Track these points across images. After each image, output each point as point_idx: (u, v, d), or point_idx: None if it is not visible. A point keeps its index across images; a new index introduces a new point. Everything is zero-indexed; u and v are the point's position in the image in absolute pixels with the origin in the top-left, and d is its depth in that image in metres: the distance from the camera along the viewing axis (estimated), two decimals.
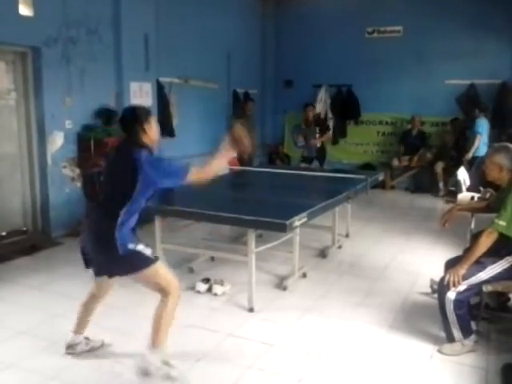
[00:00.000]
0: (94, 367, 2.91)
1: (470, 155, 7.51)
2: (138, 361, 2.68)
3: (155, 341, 2.66)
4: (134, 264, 2.61)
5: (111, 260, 2.63)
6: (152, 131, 2.68)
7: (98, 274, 2.81)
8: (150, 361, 2.62)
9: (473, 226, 4.16)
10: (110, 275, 2.75)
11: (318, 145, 7.66)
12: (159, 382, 2.65)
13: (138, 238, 2.68)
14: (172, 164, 2.70)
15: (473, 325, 3.13)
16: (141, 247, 2.63)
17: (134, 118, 2.66)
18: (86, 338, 3.03)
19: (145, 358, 2.65)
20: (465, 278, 2.99)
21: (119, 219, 2.56)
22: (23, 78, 5.24)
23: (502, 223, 2.93)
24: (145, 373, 2.63)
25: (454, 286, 2.95)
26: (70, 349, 3.01)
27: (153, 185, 2.61)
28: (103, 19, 5.88)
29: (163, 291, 2.68)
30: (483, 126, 7.57)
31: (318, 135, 7.62)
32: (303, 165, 7.78)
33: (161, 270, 2.70)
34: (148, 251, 2.66)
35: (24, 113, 5.29)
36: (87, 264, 2.82)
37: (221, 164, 2.85)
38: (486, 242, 2.97)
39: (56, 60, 5.35)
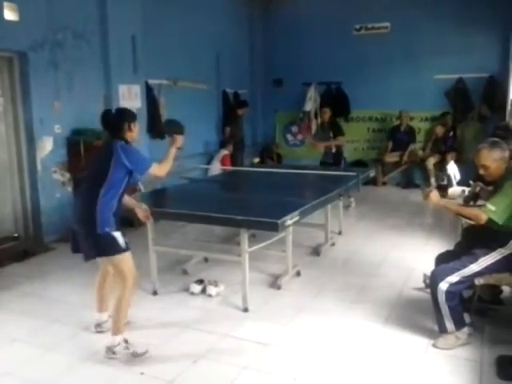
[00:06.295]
0: (91, 374, 2.90)
1: None
2: (107, 343, 3.03)
3: (117, 324, 3.03)
4: (106, 248, 2.96)
5: (89, 239, 2.97)
6: (136, 129, 3.16)
7: (85, 258, 3.11)
8: (115, 342, 3.01)
9: (464, 220, 4.18)
10: (87, 257, 3.08)
11: (333, 150, 7.15)
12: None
13: (117, 226, 2.99)
14: (141, 154, 3.16)
15: (466, 317, 3.15)
16: (116, 234, 2.97)
17: (123, 116, 3.12)
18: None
19: (112, 340, 3.03)
20: (457, 269, 3.02)
21: (99, 200, 2.93)
22: (10, 84, 5.19)
23: (491, 207, 2.98)
24: (112, 352, 3.00)
25: (426, 198, 3.18)
26: (98, 327, 3.36)
27: (123, 166, 2.96)
28: (90, 22, 5.84)
29: (124, 278, 3.02)
30: None
31: (332, 139, 7.18)
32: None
33: (128, 260, 3.03)
34: (121, 240, 2.99)
35: (12, 119, 5.24)
36: (75, 249, 3.14)
37: (172, 153, 3.34)
38: (472, 214, 3.07)
39: (43, 64, 5.30)
